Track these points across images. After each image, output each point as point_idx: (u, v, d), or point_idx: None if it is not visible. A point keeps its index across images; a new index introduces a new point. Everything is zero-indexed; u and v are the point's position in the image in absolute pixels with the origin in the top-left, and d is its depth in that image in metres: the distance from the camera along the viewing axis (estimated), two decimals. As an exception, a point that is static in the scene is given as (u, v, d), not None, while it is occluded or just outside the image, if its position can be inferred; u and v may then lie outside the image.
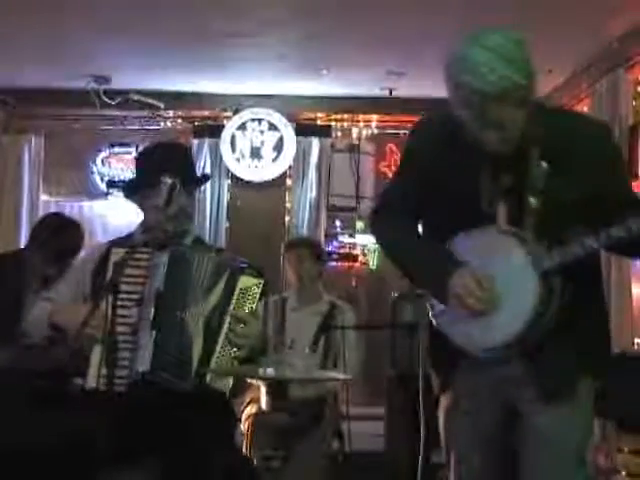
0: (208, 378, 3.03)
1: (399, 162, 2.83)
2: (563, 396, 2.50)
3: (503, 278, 2.46)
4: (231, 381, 3.09)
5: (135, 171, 3.49)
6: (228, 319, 3.09)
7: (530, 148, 2.44)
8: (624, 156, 2.62)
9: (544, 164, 2.42)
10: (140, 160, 3.52)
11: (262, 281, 3.18)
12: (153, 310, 3.10)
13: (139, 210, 3.36)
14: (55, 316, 3.16)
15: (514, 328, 2.43)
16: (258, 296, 3.17)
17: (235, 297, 3.11)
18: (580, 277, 2.44)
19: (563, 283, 2.42)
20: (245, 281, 3.14)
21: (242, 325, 3.10)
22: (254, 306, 3.15)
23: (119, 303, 2.79)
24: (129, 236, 3.36)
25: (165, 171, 3.01)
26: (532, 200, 2.42)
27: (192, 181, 3.34)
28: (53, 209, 7.68)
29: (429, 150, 2.60)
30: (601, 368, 2.61)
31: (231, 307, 3.10)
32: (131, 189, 3.41)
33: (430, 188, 2.57)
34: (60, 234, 4.57)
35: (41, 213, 7.80)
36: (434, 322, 2.63)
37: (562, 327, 2.43)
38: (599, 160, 2.45)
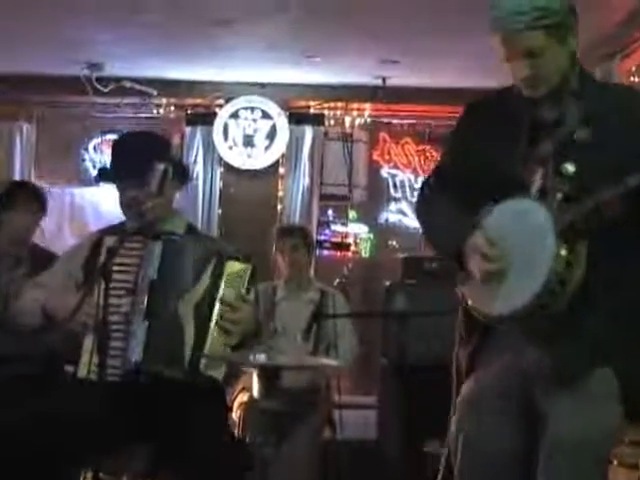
0: (202, 366, 3.03)
1: (448, 139, 2.84)
2: (581, 384, 2.38)
3: (521, 240, 2.40)
4: (224, 369, 3.08)
5: (118, 157, 3.37)
6: (218, 305, 3.07)
7: (571, 111, 2.42)
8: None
9: (584, 131, 2.39)
10: (125, 146, 3.42)
11: (250, 266, 3.17)
12: (146, 299, 3.09)
13: (124, 197, 3.26)
14: (47, 305, 3.14)
15: (528, 292, 2.33)
16: (247, 281, 3.15)
17: (223, 283, 3.09)
18: (618, 254, 2.36)
19: (588, 249, 2.32)
20: (232, 266, 3.13)
21: (232, 311, 3.09)
22: (243, 291, 3.13)
23: (112, 292, 2.78)
24: (121, 224, 3.33)
25: (157, 158, 3.00)
26: (569, 167, 2.37)
27: (180, 169, 3.31)
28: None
29: (477, 123, 2.63)
30: (632, 370, 2.43)
31: (220, 293, 3.08)
32: (120, 175, 3.32)
33: (471, 159, 2.58)
34: (22, 209, 4.47)
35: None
36: (460, 291, 2.57)
37: (586, 305, 2.34)
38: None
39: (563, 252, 2.30)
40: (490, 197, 2.49)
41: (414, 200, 2.96)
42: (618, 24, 5.72)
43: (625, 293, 2.43)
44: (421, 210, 2.80)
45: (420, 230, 2.80)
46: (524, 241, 2.39)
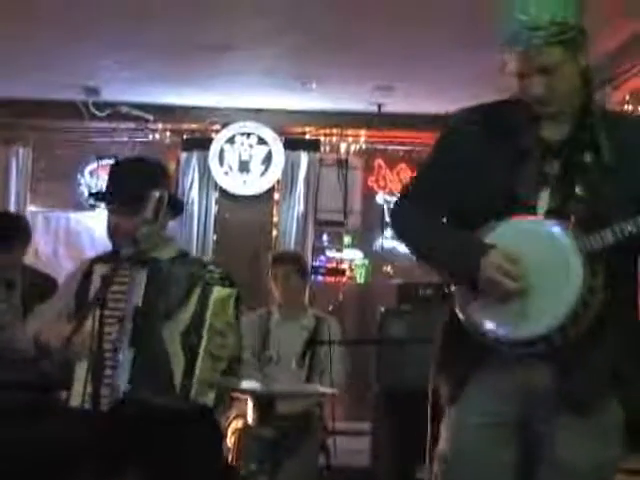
0: (192, 393, 3.01)
1: (431, 152, 2.65)
2: (592, 411, 2.36)
3: (542, 259, 2.32)
4: (214, 395, 3.06)
5: (115, 183, 3.39)
6: (206, 332, 3.07)
7: (584, 136, 2.39)
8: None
9: (595, 155, 2.36)
10: (120, 172, 3.43)
11: (235, 291, 3.16)
12: (131, 327, 3.08)
13: (116, 223, 3.25)
14: (40, 336, 3.14)
15: (557, 315, 2.26)
16: (233, 306, 3.15)
17: (210, 309, 3.09)
18: (618, 281, 2.32)
19: (606, 274, 2.28)
20: (219, 292, 3.12)
21: (220, 336, 3.08)
22: (230, 316, 3.13)
23: (105, 320, 2.77)
24: (113, 252, 3.33)
25: (153, 184, 3.00)
26: (579, 190, 2.33)
27: (174, 200, 3.33)
28: (40, 220, 7.68)
29: (465, 139, 2.52)
30: (633, 395, 2.42)
31: (207, 319, 3.08)
32: (115, 201, 3.31)
33: (464, 177, 2.47)
34: (8, 237, 4.47)
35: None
36: (461, 313, 2.44)
37: (598, 333, 2.31)
38: None
39: (587, 277, 2.26)
40: (487, 215, 2.41)
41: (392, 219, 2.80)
42: (609, 54, 5.75)
43: (629, 321, 2.43)
44: (406, 221, 2.62)
45: (410, 249, 2.63)
46: (545, 262, 2.32)
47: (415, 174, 2.74)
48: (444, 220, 2.54)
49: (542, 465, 2.43)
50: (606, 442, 2.39)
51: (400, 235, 2.67)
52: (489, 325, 2.38)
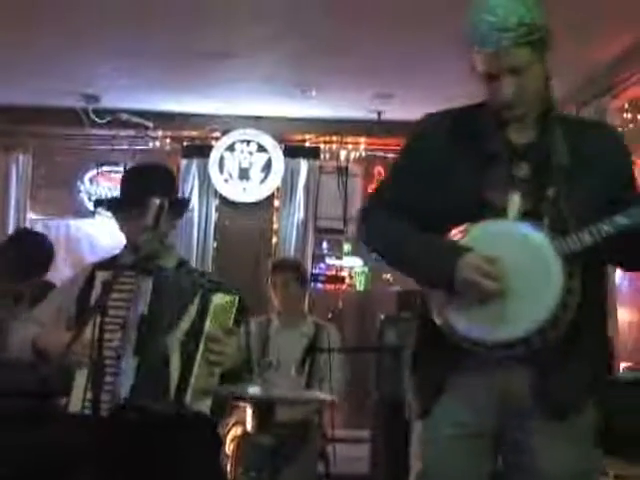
0: (187, 400, 3.01)
1: (399, 158, 2.64)
2: (570, 415, 2.35)
3: (519, 262, 2.31)
4: (210, 402, 3.06)
5: (121, 190, 3.46)
6: (204, 339, 3.07)
7: (551, 136, 2.40)
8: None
9: (564, 157, 2.36)
10: (127, 179, 3.50)
11: (236, 297, 3.16)
12: (136, 335, 3.08)
13: (121, 231, 3.33)
14: (39, 341, 3.14)
15: (536, 318, 2.25)
16: (234, 313, 3.15)
17: (209, 316, 3.09)
18: (589, 285, 2.32)
19: (582, 276, 2.29)
20: (219, 299, 3.13)
21: (218, 344, 3.08)
22: (230, 323, 3.13)
23: (106, 327, 2.77)
24: (114, 258, 3.35)
25: (154, 191, 3.01)
26: (551, 192, 2.33)
27: (177, 204, 3.34)
28: (40, 227, 7.67)
29: (433, 144, 2.51)
30: (603, 393, 2.45)
31: (206, 326, 3.08)
32: (118, 208, 3.39)
33: (432, 182, 2.46)
34: (24, 249, 4.51)
35: (28, 231, 7.79)
36: (437, 317, 2.41)
37: (575, 336, 2.31)
38: (619, 166, 2.42)
39: (568, 279, 2.26)
40: (457, 220, 2.39)
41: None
42: (608, 63, 5.77)
43: (601, 324, 2.46)
44: (376, 229, 2.57)
45: (379, 254, 2.56)
46: (523, 264, 2.31)
47: (384, 179, 2.72)
48: (413, 225, 2.48)
49: (520, 474, 2.41)
50: (584, 446, 2.39)
51: (368, 240, 2.60)
52: (466, 328, 2.35)
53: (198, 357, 3.04)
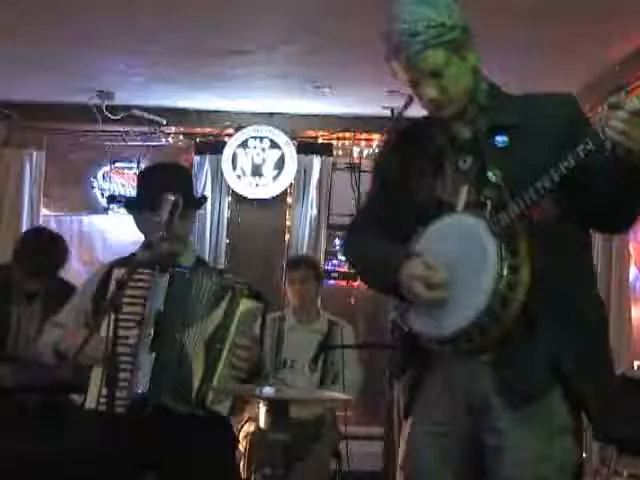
0: (208, 400, 3.02)
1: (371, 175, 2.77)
2: (531, 407, 2.30)
3: (460, 252, 2.33)
4: (230, 403, 3.07)
5: (137, 188, 3.49)
6: (230, 342, 3.08)
7: (482, 125, 2.40)
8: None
9: (502, 137, 2.35)
10: (143, 178, 3.53)
11: (262, 305, 3.18)
12: (153, 331, 3.09)
13: (138, 229, 3.36)
14: (60, 345, 3.17)
15: (475, 304, 2.24)
16: (259, 320, 3.16)
17: (236, 320, 3.10)
18: (558, 257, 2.28)
19: (531, 247, 2.24)
20: (247, 304, 3.13)
21: (243, 349, 3.09)
22: (256, 330, 3.14)
23: (121, 324, 2.78)
24: (131, 256, 3.36)
25: (168, 189, 3.01)
26: (491, 175, 2.33)
27: (193, 202, 3.35)
28: (53, 223, 7.69)
29: (389, 157, 2.61)
30: (578, 388, 2.34)
31: (233, 330, 3.09)
32: (134, 205, 3.42)
33: (396, 195, 2.53)
34: (40, 249, 4.54)
35: (41, 227, 7.81)
36: (401, 323, 2.48)
37: (531, 323, 2.27)
38: (563, 128, 2.34)
39: (505, 257, 2.23)
40: (419, 223, 2.44)
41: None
42: (621, 61, 5.74)
43: (574, 304, 2.36)
44: (348, 245, 2.76)
45: (353, 269, 2.74)
46: (464, 256, 2.32)
47: (367, 193, 2.81)
48: (383, 237, 2.54)
49: (488, 477, 2.39)
50: (552, 450, 2.32)
51: (345, 256, 2.84)
52: (421, 327, 2.40)
53: (222, 360, 3.06)
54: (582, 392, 2.32)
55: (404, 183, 2.49)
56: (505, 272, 2.22)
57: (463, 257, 2.32)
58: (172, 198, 2.95)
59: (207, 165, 7.83)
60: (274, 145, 7.80)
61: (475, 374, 2.38)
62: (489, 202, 2.32)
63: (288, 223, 7.93)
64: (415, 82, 2.39)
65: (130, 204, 3.54)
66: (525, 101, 2.49)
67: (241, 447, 4.98)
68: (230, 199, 7.91)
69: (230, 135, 7.86)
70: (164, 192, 2.97)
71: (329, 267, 7.81)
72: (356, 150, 7.95)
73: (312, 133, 7.96)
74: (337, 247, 7.94)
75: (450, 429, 2.44)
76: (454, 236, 2.36)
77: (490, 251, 2.26)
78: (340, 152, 7.96)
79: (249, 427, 5.06)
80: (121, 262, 3.30)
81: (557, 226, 2.33)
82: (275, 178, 7.81)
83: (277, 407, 3.06)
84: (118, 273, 3.06)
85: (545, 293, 2.27)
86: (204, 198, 3.84)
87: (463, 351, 2.34)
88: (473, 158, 2.41)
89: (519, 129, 2.36)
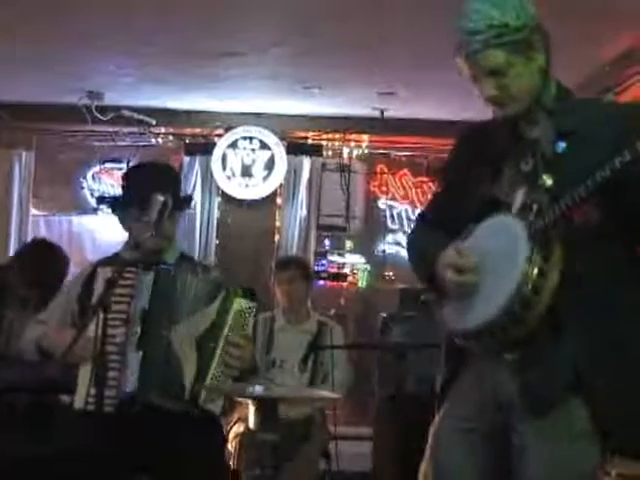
0: (201, 399, 3.02)
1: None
2: (551, 411, 2.29)
3: (493, 252, 2.35)
4: (222, 402, 3.07)
5: (123, 188, 3.46)
6: (223, 341, 3.07)
7: (545, 128, 2.41)
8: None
9: (562, 143, 2.37)
10: (129, 177, 3.50)
11: (256, 305, 3.18)
12: (139, 329, 3.09)
13: (123, 227, 3.34)
14: (43, 341, 3.16)
15: (498, 303, 2.24)
16: (252, 319, 3.16)
17: (230, 319, 3.10)
18: (604, 265, 2.29)
19: (565, 252, 2.25)
20: (240, 303, 3.13)
21: (237, 348, 3.09)
22: (249, 329, 3.14)
23: (109, 323, 2.77)
24: (115, 255, 3.35)
25: (157, 189, 3.01)
26: (546, 180, 2.34)
27: (181, 202, 3.35)
28: (42, 224, 7.68)
29: (454, 160, 2.68)
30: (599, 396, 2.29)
31: (226, 329, 3.09)
32: (121, 205, 3.39)
33: (456, 196, 2.57)
34: (45, 263, 4.53)
35: (30, 227, 7.81)
36: (438, 315, 2.51)
37: (557, 327, 2.27)
38: (620, 137, 2.26)
39: (535, 260, 2.23)
40: (474, 221, 2.47)
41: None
42: (612, 62, 5.76)
43: (604, 315, 2.32)
44: (408, 241, 2.81)
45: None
46: (496, 252, 2.35)
47: (432, 194, 2.88)
48: (441, 233, 2.56)
49: (512, 477, 2.40)
50: (570, 455, 2.31)
51: (407, 253, 2.80)
52: (449, 321, 2.44)
53: (216, 359, 3.05)
54: (602, 404, 2.29)
55: (464, 186, 2.53)
56: (533, 275, 2.23)
57: (498, 255, 2.35)
58: (162, 198, 2.95)
59: (197, 166, 7.83)
60: (264, 146, 7.81)
61: (501, 372, 2.39)
62: (535, 205, 2.33)
63: (278, 224, 7.93)
64: (476, 78, 2.41)
65: (116, 203, 3.51)
66: (588, 106, 2.52)
67: (230, 447, 4.98)
68: (220, 200, 7.92)
69: (220, 136, 7.86)
70: (153, 192, 2.97)
71: (319, 268, 7.82)
72: (346, 151, 7.96)
73: (302, 134, 7.97)
74: (327, 247, 7.95)
75: (478, 425, 2.46)
76: (495, 235, 2.40)
77: (521, 253, 2.27)
78: (330, 153, 7.97)
79: (238, 427, 5.06)
80: (105, 262, 3.29)
81: (600, 235, 2.32)
82: (265, 179, 7.82)
83: (266, 407, 3.06)
84: (105, 272, 3.05)
85: (580, 299, 2.27)
86: (190, 198, 3.83)
87: (487, 347, 2.36)
88: (534, 160, 2.42)
89: (579, 135, 2.35)
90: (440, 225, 2.59)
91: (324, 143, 7.97)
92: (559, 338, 2.29)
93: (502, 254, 2.33)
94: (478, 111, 2.57)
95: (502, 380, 2.40)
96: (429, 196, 6.76)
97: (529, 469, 2.33)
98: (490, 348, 2.37)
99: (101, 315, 2.68)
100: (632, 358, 2.33)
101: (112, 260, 3.29)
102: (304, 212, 7.80)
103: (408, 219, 7.89)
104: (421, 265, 2.57)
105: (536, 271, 2.23)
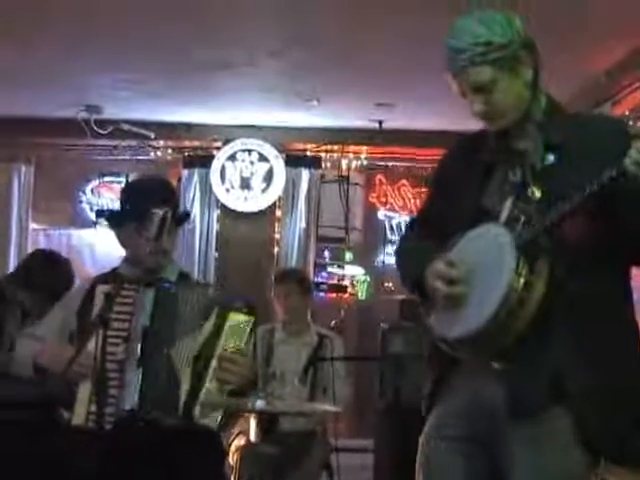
0: (196, 414, 3.01)
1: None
2: (536, 420, 2.28)
3: (481, 262, 2.35)
4: (220, 416, 3.06)
5: (122, 202, 3.43)
6: (216, 356, 3.06)
7: (534, 141, 2.42)
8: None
9: (550, 155, 2.38)
10: (128, 191, 3.49)
11: (253, 319, 3.15)
12: (140, 347, 3.08)
13: (120, 243, 3.31)
14: (39, 358, 3.13)
15: (486, 312, 2.24)
16: (248, 333, 3.14)
17: (224, 334, 3.08)
18: (597, 284, 2.29)
19: (553, 264, 2.25)
20: (234, 317, 3.12)
21: (231, 363, 3.07)
22: (243, 343, 3.11)
23: (109, 340, 2.76)
24: (114, 271, 3.34)
25: (157, 204, 3.00)
26: (534, 191, 2.35)
27: (179, 216, 3.33)
28: (42, 237, 7.69)
29: (445, 168, 2.69)
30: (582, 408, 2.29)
31: (220, 344, 3.07)
32: (119, 220, 3.36)
33: (446, 198, 2.59)
34: (50, 276, 4.52)
35: (30, 241, 7.82)
36: (428, 326, 2.49)
37: (542, 337, 2.26)
38: (608, 152, 2.24)
39: (521, 272, 2.23)
40: (462, 230, 2.46)
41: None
42: (608, 71, 5.78)
43: (591, 323, 2.31)
44: (397, 249, 2.82)
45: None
46: (484, 263, 2.35)
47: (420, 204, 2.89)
48: (432, 240, 2.57)
49: None
50: (557, 464, 2.30)
51: (395, 261, 2.81)
52: (439, 330, 2.43)
53: (210, 373, 3.04)
54: (586, 414, 2.28)
55: (453, 195, 2.55)
56: (519, 286, 2.23)
57: (486, 265, 2.35)
58: (161, 213, 2.94)
59: (196, 178, 7.85)
60: (262, 158, 7.82)
61: (489, 380, 2.39)
62: (522, 216, 2.34)
63: (277, 236, 7.94)
64: (464, 94, 2.43)
65: (114, 217, 3.48)
66: (577, 121, 2.51)
67: (231, 461, 4.97)
68: (219, 212, 7.92)
69: (218, 148, 7.87)
70: (152, 206, 2.96)
71: (318, 279, 7.82)
72: (344, 162, 7.97)
73: (300, 146, 7.98)
74: (326, 259, 7.95)
75: (466, 434, 2.45)
76: (483, 245, 2.39)
77: (508, 263, 2.27)
78: (328, 164, 7.99)
79: (239, 441, 5.05)
80: (103, 278, 3.28)
81: (590, 249, 2.31)
82: (264, 191, 7.83)
83: (267, 421, 3.06)
84: (104, 289, 3.04)
85: (567, 309, 2.27)
86: (188, 213, 3.82)
87: (475, 356, 2.37)
88: (522, 172, 2.43)
89: (567, 148, 2.36)
90: (429, 234, 2.60)
91: (323, 155, 7.98)
92: (546, 347, 2.30)
93: (489, 264, 2.33)
94: (476, 122, 2.58)
95: (489, 389, 2.39)
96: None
97: (517, 478, 2.33)
98: (477, 356, 2.38)
99: (101, 332, 2.67)
100: (617, 369, 2.33)
101: (110, 276, 3.27)
102: (303, 224, 7.81)
103: (407, 230, 7.88)
104: (409, 273, 2.58)
105: (522, 281, 2.23)
